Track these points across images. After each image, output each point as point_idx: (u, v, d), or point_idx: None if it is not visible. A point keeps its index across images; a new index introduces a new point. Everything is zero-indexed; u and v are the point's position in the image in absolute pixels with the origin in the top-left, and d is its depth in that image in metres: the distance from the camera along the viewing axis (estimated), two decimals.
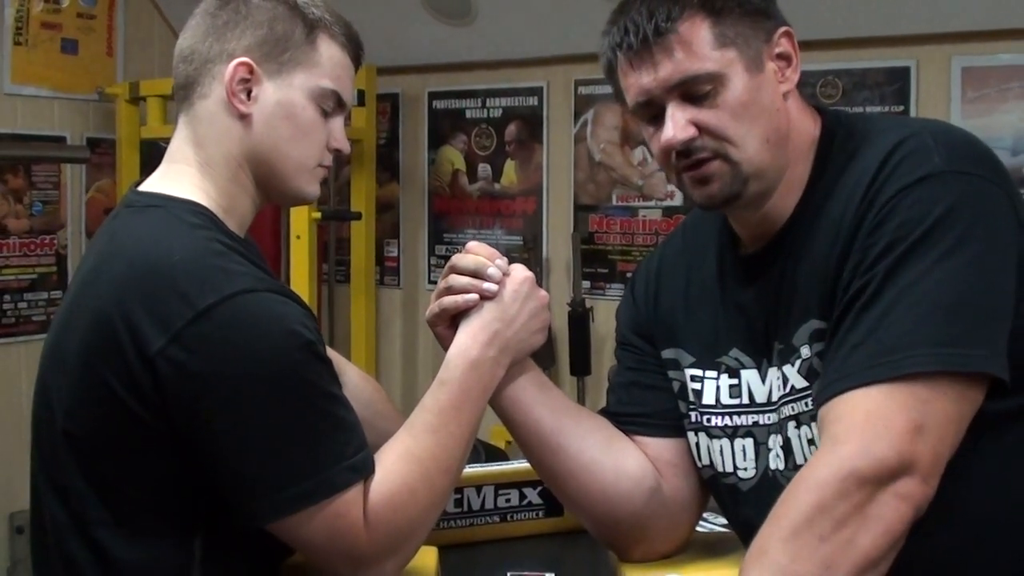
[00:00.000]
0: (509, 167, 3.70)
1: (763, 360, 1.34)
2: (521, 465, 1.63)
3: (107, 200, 3.69)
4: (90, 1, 3.64)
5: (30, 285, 3.54)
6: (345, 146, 1.41)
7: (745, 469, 1.36)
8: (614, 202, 3.52)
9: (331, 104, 1.38)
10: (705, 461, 1.41)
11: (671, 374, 1.44)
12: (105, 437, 1.24)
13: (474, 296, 1.37)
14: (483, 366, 1.35)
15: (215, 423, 1.20)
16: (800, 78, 1.32)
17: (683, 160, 1.28)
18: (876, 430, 1.10)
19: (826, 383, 1.17)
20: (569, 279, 3.51)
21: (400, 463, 1.28)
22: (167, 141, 1.40)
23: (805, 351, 1.26)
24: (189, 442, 1.22)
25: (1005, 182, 1.21)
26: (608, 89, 1.36)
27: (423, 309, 1.41)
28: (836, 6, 2.96)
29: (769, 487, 1.31)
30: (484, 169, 3.75)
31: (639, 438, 1.46)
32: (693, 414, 1.41)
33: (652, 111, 1.29)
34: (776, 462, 1.32)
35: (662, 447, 1.44)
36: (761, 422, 1.35)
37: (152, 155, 3.39)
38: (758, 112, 1.27)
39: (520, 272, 1.40)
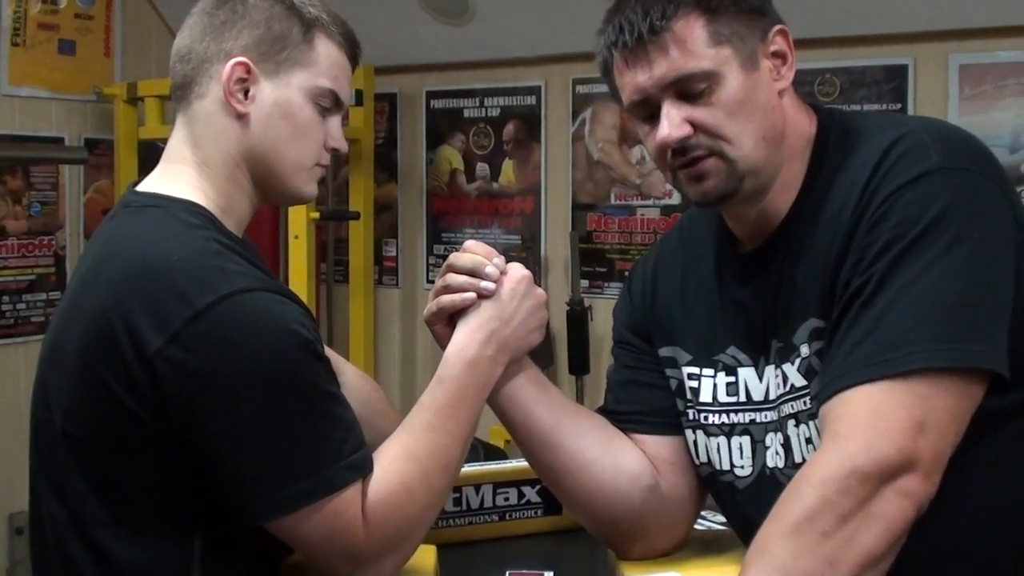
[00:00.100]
0: (507, 166, 3.70)
1: (760, 358, 1.34)
2: (519, 464, 1.63)
3: (105, 201, 3.68)
4: (87, 2, 3.64)
5: (28, 286, 3.54)
6: (343, 145, 1.41)
7: (742, 467, 1.36)
8: (612, 201, 3.52)
9: (329, 103, 1.38)
10: (703, 459, 1.41)
11: (668, 372, 1.44)
12: (104, 437, 1.24)
13: (472, 295, 1.37)
14: (481, 365, 1.35)
15: (213, 422, 1.20)
16: (797, 76, 1.32)
17: (678, 158, 1.28)
18: (878, 427, 1.10)
19: (827, 381, 1.18)
20: (567, 278, 3.51)
21: (398, 462, 1.28)
22: (165, 141, 1.40)
23: (805, 349, 1.27)
24: (188, 441, 1.22)
25: (1001, 179, 1.22)
26: (606, 88, 1.36)
27: (422, 309, 1.41)
28: (833, 4, 2.97)
29: (767, 485, 1.31)
30: (482, 168, 3.75)
31: (637, 436, 1.46)
32: (690, 412, 1.41)
33: (648, 109, 1.29)
34: (775, 460, 1.32)
35: (660, 445, 1.45)
36: (758, 420, 1.35)
37: (150, 155, 3.39)
38: (753, 110, 1.27)
39: (517, 271, 1.40)
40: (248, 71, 1.33)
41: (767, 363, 1.33)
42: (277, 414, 1.20)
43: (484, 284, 1.37)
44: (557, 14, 3.26)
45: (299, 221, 3.31)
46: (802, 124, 1.33)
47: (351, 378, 1.52)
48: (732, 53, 1.26)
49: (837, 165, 1.27)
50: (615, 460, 1.43)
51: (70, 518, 1.28)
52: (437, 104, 3.83)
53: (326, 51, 1.37)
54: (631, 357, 1.49)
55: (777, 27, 1.30)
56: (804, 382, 1.27)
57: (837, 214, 1.23)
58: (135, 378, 1.20)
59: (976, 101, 2.97)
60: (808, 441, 1.27)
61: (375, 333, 3.82)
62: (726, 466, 1.38)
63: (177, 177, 1.35)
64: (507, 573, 1.49)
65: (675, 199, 3.36)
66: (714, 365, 1.38)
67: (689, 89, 1.26)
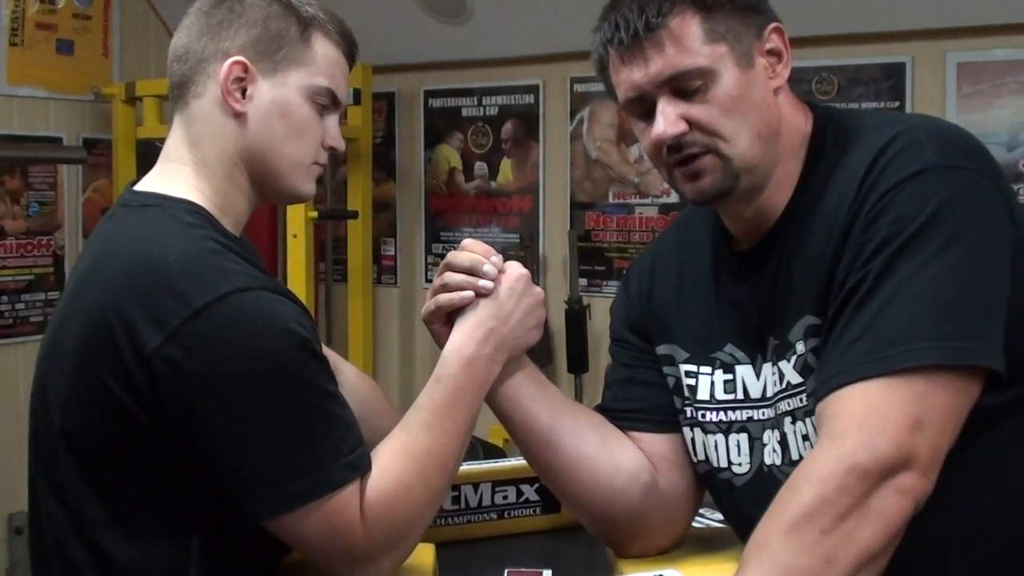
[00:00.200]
0: (505, 165, 3.70)
1: (757, 355, 1.34)
2: (518, 462, 1.63)
3: (104, 200, 3.68)
4: (85, 1, 3.64)
5: (27, 286, 3.54)
6: (340, 144, 1.41)
7: (739, 464, 1.37)
8: (610, 199, 3.52)
9: (326, 102, 1.38)
10: (700, 456, 1.41)
11: (666, 370, 1.44)
12: (102, 436, 1.24)
13: (469, 293, 1.37)
14: (479, 363, 1.35)
15: (211, 421, 1.20)
16: (795, 74, 1.32)
17: (674, 155, 1.28)
18: (875, 425, 1.10)
19: (823, 378, 1.18)
20: (566, 277, 3.51)
21: (397, 460, 1.28)
22: (163, 141, 1.40)
23: (800, 347, 1.27)
24: (186, 441, 1.22)
25: (998, 176, 1.22)
26: (604, 87, 1.36)
27: (420, 308, 1.42)
28: (831, 2, 2.97)
29: (764, 482, 1.31)
30: (480, 167, 3.75)
31: (635, 434, 1.46)
32: (688, 409, 1.41)
33: (643, 107, 1.30)
34: (772, 457, 1.33)
35: (658, 443, 1.45)
36: (755, 417, 1.35)
37: (148, 155, 3.38)
38: (749, 107, 1.27)
39: (515, 269, 1.40)
40: (245, 70, 1.33)
41: (764, 360, 1.33)
42: (275, 413, 1.20)
43: (482, 283, 1.37)
44: (555, 13, 3.27)
45: (297, 220, 3.31)
46: (798, 122, 1.33)
47: (350, 377, 1.52)
48: (728, 50, 1.26)
49: (833, 163, 1.27)
50: (613, 458, 1.43)
51: (69, 517, 1.28)
52: (435, 103, 3.83)
53: (323, 50, 1.37)
54: (628, 355, 1.50)
55: (773, 25, 1.30)
56: (800, 379, 1.27)
57: (833, 212, 1.23)
58: (133, 377, 1.20)
59: (974, 99, 2.97)
60: (805, 438, 1.27)
61: (374, 332, 3.82)
62: (723, 464, 1.38)
63: (175, 176, 1.35)
64: (506, 571, 1.49)
65: (673, 198, 3.36)
66: (711, 363, 1.39)
67: (685, 86, 1.26)
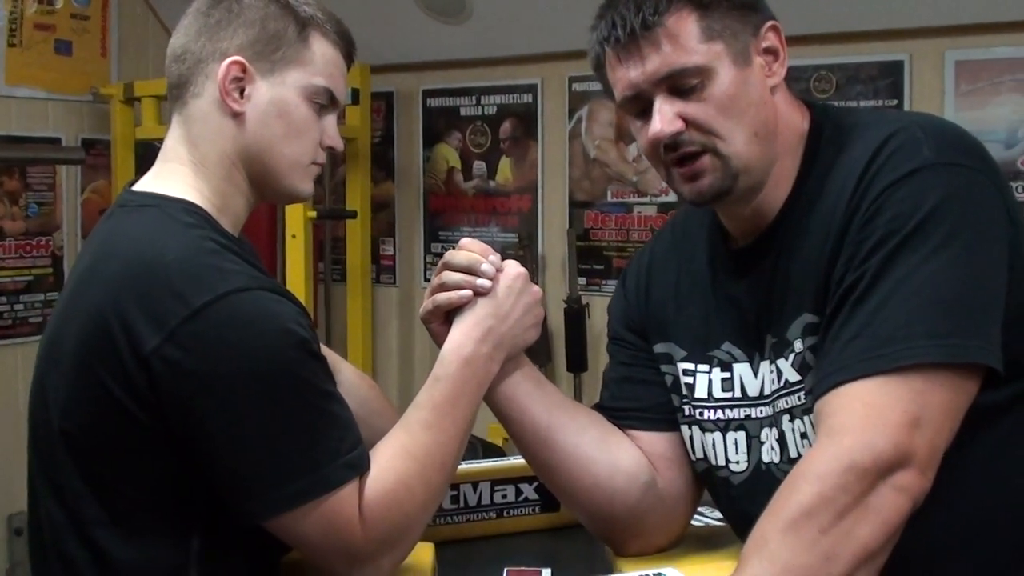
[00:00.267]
0: (504, 164, 3.70)
1: (755, 353, 1.34)
2: (517, 461, 1.63)
3: (102, 201, 3.68)
4: (83, 2, 3.64)
5: (26, 287, 3.54)
6: (339, 144, 1.42)
7: (737, 462, 1.37)
8: (609, 198, 3.52)
9: (324, 101, 1.38)
10: (699, 454, 1.41)
11: (663, 368, 1.44)
12: (101, 436, 1.25)
13: (467, 292, 1.37)
14: (477, 362, 1.35)
15: (210, 421, 1.20)
16: (793, 72, 1.32)
17: (671, 153, 1.29)
18: (874, 423, 1.10)
19: (821, 376, 1.18)
20: (565, 276, 3.51)
21: (395, 460, 1.28)
22: (162, 141, 1.40)
23: (798, 345, 1.27)
24: (185, 441, 1.22)
25: (994, 173, 1.22)
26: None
27: (419, 307, 1.42)
28: (830, 0, 2.97)
29: (762, 480, 1.31)
30: (479, 167, 3.75)
31: (633, 432, 1.46)
32: (686, 408, 1.41)
33: (640, 105, 1.30)
34: (771, 455, 1.33)
35: (656, 441, 1.45)
36: (753, 415, 1.35)
37: (147, 156, 3.38)
38: (745, 106, 1.27)
39: (513, 268, 1.40)
40: (244, 70, 1.33)
41: (761, 359, 1.33)
42: (274, 413, 1.20)
43: (480, 281, 1.37)
44: (553, 12, 3.26)
45: (296, 220, 3.31)
46: (795, 120, 1.33)
47: (349, 377, 1.52)
48: (724, 49, 1.26)
49: (830, 161, 1.27)
50: (612, 457, 1.43)
51: (68, 517, 1.28)
52: (433, 102, 3.83)
53: (321, 50, 1.37)
54: (626, 354, 1.50)
55: (769, 23, 1.31)
56: (798, 377, 1.27)
57: (830, 210, 1.23)
58: (132, 377, 1.20)
59: (972, 97, 2.97)
60: (803, 436, 1.27)
61: (373, 332, 3.82)
62: (721, 462, 1.38)
63: (173, 176, 1.35)
64: (505, 570, 1.50)
65: (672, 196, 3.35)
66: (709, 361, 1.39)
67: (681, 84, 1.26)
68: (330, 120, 1.40)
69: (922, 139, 1.20)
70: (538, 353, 3.23)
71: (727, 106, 1.26)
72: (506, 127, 3.69)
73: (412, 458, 1.29)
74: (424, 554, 1.43)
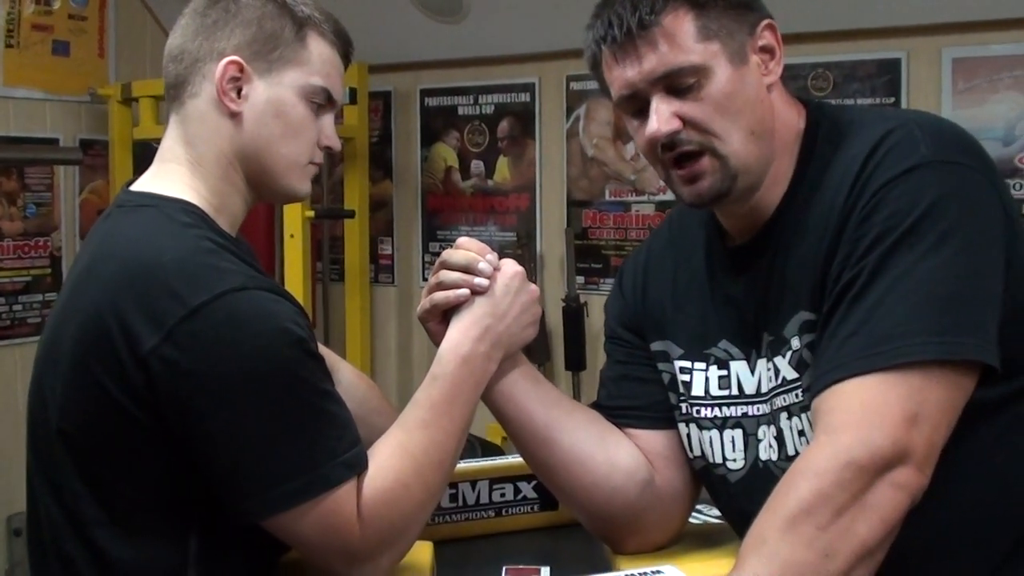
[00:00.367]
0: (502, 163, 3.71)
1: (752, 351, 1.34)
2: (515, 460, 1.63)
3: (101, 201, 3.68)
4: (81, 2, 3.63)
5: (25, 287, 3.53)
6: (336, 143, 1.42)
7: (734, 460, 1.37)
8: (607, 197, 3.52)
9: (322, 101, 1.38)
10: (696, 452, 1.41)
11: (661, 366, 1.45)
12: (99, 436, 1.25)
13: (465, 291, 1.37)
14: (475, 361, 1.36)
15: (208, 421, 1.20)
16: (790, 71, 1.32)
17: (668, 153, 1.29)
18: (872, 420, 1.11)
19: (819, 373, 1.18)
20: (563, 275, 3.52)
21: (393, 459, 1.28)
22: (159, 141, 1.40)
23: (795, 342, 1.27)
24: (183, 440, 1.22)
25: (991, 171, 1.22)
26: None
27: (418, 306, 1.42)
28: None
29: (760, 477, 1.32)
30: (477, 166, 3.75)
31: (631, 431, 1.46)
32: (683, 405, 1.41)
33: (637, 104, 1.30)
34: (768, 453, 1.33)
35: (654, 439, 1.45)
36: (750, 413, 1.35)
37: (145, 156, 3.36)
38: (742, 104, 1.27)
39: (510, 267, 1.40)
40: (241, 70, 1.33)
41: (759, 356, 1.33)
42: (271, 412, 1.20)
43: (477, 280, 1.37)
44: (550, 11, 3.26)
45: (294, 220, 3.31)
46: (791, 118, 1.33)
47: (347, 376, 1.52)
48: (720, 48, 1.26)
49: (827, 159, 1.27)
50: (610, 455, 1.43)
51: (67, 517, 1.28)
52: (431, 102, 3.83)
53: (318, 49, 1.37)
54: (623, 352, 1.50)
55: (765, 22, 1.31)
56: (795, 375, 1.27)
57: (827, 208, 1.23)
58: (130, 377, 1.20)
59: (969, 95, 2.98)
60: (801, 434, 1.28)
61: (371, 331, 3.83)
62: (719, 459, 1.38)
63: (171, 176, 1.35)
64: (503, 569, 1.50)
65: (670, 195, 3.31)
66: (706, 359, 1.39)
67: (678, 83, 1.26)
68: (327, 120, 1.40)
69: (919, 137, 1.20)
70: (536, 352, 3.23)
71: (724, 105, 1.26)
72: (504, 126, 3.69)
73: (410, 457, 1.29)
74: (423, 553, 1.43)
